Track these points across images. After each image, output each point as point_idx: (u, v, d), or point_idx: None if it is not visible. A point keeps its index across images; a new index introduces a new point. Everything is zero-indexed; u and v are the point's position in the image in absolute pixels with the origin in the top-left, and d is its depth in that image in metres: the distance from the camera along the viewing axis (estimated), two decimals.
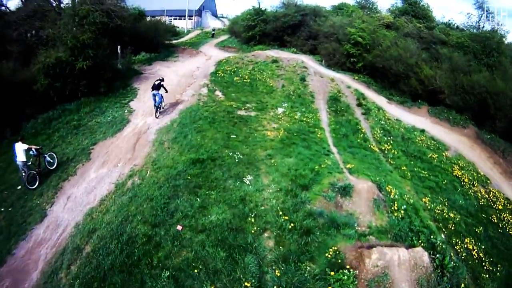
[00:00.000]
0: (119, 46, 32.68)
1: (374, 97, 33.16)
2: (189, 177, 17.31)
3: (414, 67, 35.02)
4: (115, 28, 32.07)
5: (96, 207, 16.47)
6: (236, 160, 19.10)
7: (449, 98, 33.46)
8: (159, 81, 24.51)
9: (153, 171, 18.44)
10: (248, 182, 17.33)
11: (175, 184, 16.89)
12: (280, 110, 26.58)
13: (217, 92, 28.34)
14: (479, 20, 47.26)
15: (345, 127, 26.63)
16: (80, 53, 26.50)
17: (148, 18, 47.22)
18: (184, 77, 32.39)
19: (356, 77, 36.05)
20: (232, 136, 21.82)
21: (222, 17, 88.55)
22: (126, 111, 25.63)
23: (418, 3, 49.26)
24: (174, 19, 76.14)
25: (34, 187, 18.35)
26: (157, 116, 24.06)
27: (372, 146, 24.55)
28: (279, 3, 48.16)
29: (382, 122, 29.07)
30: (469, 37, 41.98)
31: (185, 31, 66.30)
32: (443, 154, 27.30)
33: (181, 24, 71.47)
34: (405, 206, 16.02)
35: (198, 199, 15.74)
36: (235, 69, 33.71)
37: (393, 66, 34.57)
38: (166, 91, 25.09)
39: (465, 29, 48.00)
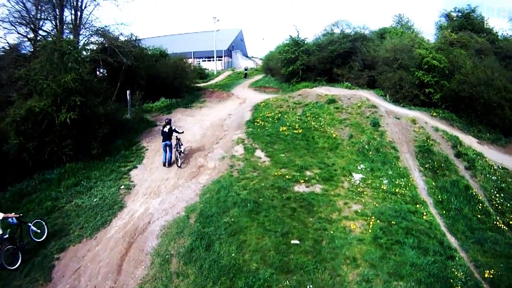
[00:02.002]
0: (128, 92, 24.57)
1: (462, 137, 22.46)
2: None
3: (503, 91, 24.31)
4: (126, 69, 25.66)
5: None
6: None
7: None
8: (168, 127, 17.90)
9: None
10: None
11: None
12: (356, 176, 16.36)
13: (258, 152, 18.49)
14: None
15: (454, 195, 16.65)
16: (63, 102, 17.73)
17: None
18: (211, 129, 22.91)
19: (434, 113, 25.44)
20: (292, 241, 12.07)
21: (253, 57, 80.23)
22: (122, 186, 16.19)
23: (471, 15, 38.43)
24: (203, 61, 68.44)
25: (15, 267, 12.06)
26: (179, 165, 17.70)
27: (497, 223, 15.39)
28: (322, 31, 38.33)
29: (493, 178, 18.60)
30: None
31: (215, 73, 57.93)
32: None
33: (211, 66, 63.41)
34: None
35: None
36: (279, 115, 23.88)
37: (484, 94, 23.90)
38: (181, 133, 18.92)
39: None
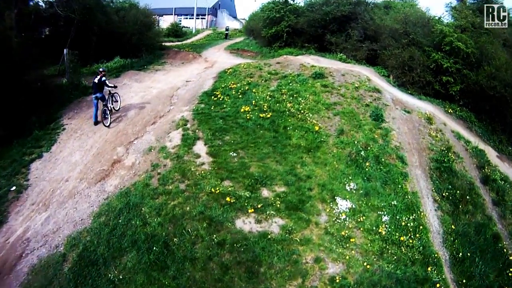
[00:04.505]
0: (65, 51, 19.03)
1: (485, 149, 16.32)
2: None
3: None
4: (79, 24, 21.00)
5: None
6: None
7: None
8: (99, 78, 14.65)
9: None
10: None
11: None
12: (343, 205, 10.20)
13: (199, 145, 12.26)
14: None
15: (478, 249, 10.78)
16: None
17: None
18: (154, 101, 16.71)
19: (450, 109, 19.16)
20: None
21: (242, 19, 71.58)
22: (13, 188, 11.25)
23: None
24: (184, 18, 60.39)
25: None
26: (107, 124, 14.56)
27: None
28: None
29: None
30: None
31: (193, 31, 50.37)
32: None
33: (193, 24, 55.53)
34: None
35: None
36: (247, 87, 17.11)
37: None
38: (113, 87, 15.35)
39: None
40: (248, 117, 14.04)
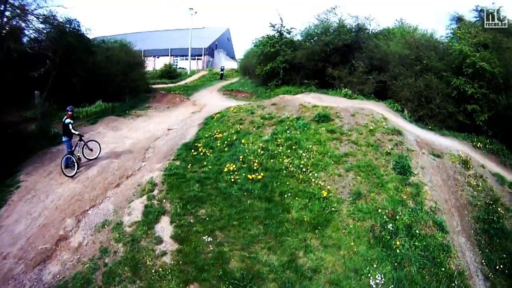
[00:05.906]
0: (36, 93, 17.11)
1: None
2: None
3: None
4: (60, 64, 19.45)
5: None
6: None
7: None
8: (64, 119, 13.10)
9: None
10: None
11: None
12: None
13: (164, 223, 9.18)
14: None
15: None
16: None
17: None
18: (126, 155, 13.94)
19: (478, 143, 16.19)
20: None
21: (240, 59, 69.92)
22: None
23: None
24: (180, 59, 59.16)
25: None
26: (70, 175, 12.61)
27: None
28: (315, 19, 28.41)
29: None
30: None
31: (188, 72, 48.78)
32: None
33: (189, 65, 54.05)
34: None
35: None
36: (235, 136, 14.00)
37: None
38: (78, 134, 13.15)
39: None
40: (232, 180, 10.91)
